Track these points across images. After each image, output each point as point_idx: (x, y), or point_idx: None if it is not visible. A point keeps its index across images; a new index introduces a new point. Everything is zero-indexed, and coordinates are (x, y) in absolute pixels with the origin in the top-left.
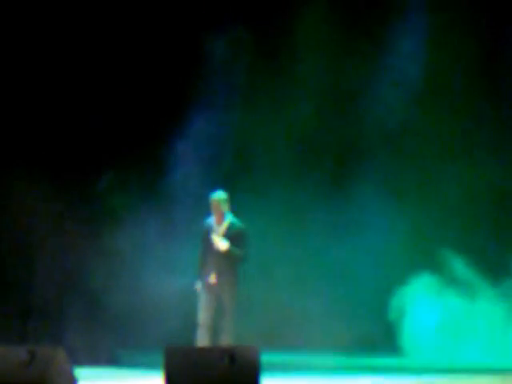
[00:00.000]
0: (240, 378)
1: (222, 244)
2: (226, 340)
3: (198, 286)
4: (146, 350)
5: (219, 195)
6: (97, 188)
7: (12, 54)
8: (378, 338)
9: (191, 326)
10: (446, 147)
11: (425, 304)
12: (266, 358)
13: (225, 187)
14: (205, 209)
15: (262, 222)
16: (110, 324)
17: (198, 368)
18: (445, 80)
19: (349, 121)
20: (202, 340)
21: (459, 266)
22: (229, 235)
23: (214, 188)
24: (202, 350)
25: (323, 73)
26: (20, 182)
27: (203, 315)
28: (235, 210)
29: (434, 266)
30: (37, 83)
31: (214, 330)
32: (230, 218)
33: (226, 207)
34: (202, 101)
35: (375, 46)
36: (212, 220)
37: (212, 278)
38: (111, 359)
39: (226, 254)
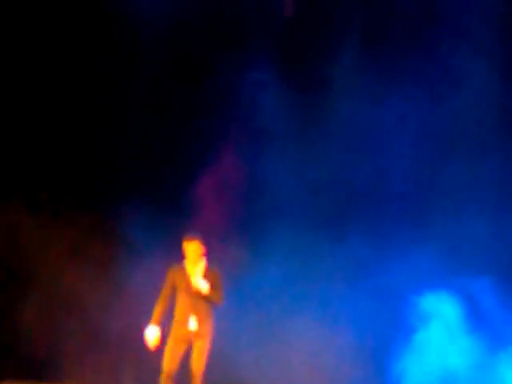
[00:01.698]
0: None
1: (203, 286)
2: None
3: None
4: None
5: (198, 237)
6: (110, 221)
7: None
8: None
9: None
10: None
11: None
12: None
13: (239, 231)
14: (220, 251)
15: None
16: (130, 361)
17: None
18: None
19: (368, 170)
20: None
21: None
22: (206, 278)
23: (229, 231)
24: None
25: (347, 120)
26: (27, 213)
27: (168, 362)
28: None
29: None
30: (40, 112)
31: (190, 374)
32: (204, 261)
33: (202, 250)
34: (222, 144)
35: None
36: (182, 264)
37: (192, 326)
38: None
39: (206, 298)
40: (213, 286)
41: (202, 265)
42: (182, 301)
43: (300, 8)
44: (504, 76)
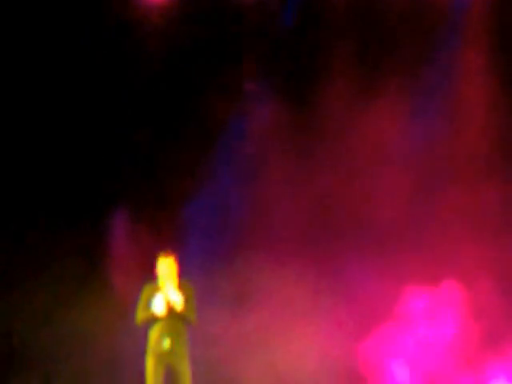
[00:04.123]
0: None
1: (176, 299)
2: None
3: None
4: None
5: (173, 254)
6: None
7: None
8: None
9: None
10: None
11: None
12: None
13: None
14: (216, 279)
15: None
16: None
17: None
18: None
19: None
20: None
21: None
22: (181, 291)
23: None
24: None
25: (340, 137)
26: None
27: None
28: None
29: None
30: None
31: None
32: (178, 278)
33: (176, 266)
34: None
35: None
36: (156, 282)
37: (166, 344)
38: None
39: (180, 316)
40: (186, 300)
41: (175, 281)
42: (155, 320)
43: (299, 19)
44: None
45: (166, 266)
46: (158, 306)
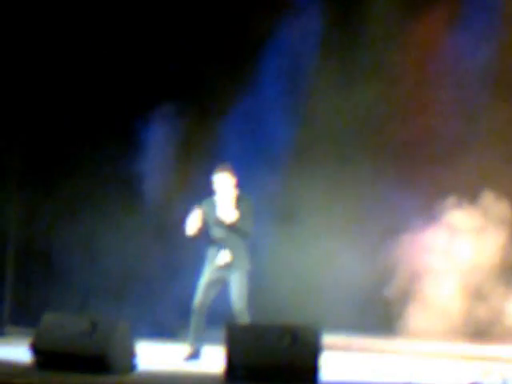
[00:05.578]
0: (300, 356)
1: (228, 216)
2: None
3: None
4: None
5: (228, 167)
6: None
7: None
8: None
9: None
10: None
11: None
12: None
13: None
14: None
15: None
16: (171, 299)
17: (259, 345)
18: None
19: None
20: (192, 324)
21: None
22: (236, 208)
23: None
24: (263, 327)
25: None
26: None
27: (200, 298)
28: None
29: None
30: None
31: (234, 315)
32: (235, 192)
33: (233, 180)
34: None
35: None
36: (213, 198)
37: (224, 258)
38: (171, 333)
39: (234, 228)
40: (242, 216)
41: (232, 195)
42: (212, 235)
43: None
44: None
45: (222, 181)
46: (189, 226)
